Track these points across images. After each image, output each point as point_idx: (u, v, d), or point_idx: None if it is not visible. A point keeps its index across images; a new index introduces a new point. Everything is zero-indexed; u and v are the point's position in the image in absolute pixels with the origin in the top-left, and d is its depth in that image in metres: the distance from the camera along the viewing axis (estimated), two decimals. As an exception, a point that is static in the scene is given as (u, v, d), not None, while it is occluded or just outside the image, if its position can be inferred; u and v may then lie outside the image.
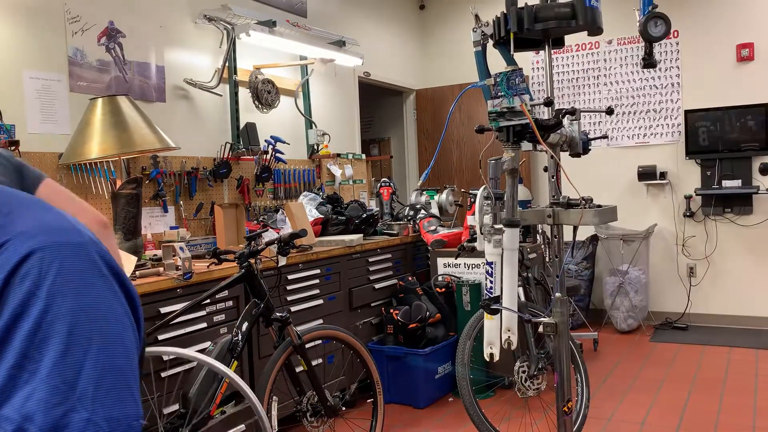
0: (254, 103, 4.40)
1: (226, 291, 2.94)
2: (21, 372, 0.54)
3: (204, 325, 2.98)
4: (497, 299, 2.02)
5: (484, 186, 2.04)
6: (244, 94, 4.35)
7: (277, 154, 4.46)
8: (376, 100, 6.85)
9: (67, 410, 0.54)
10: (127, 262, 2.81)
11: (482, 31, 2.25)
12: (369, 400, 3.15)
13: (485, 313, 2.02)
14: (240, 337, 2.64)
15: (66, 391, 0.54)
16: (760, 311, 5.51)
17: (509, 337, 1.99)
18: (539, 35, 2.30)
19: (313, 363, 3.02)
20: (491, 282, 2.02)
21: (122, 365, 0.58)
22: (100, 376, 0.56)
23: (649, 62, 2.29)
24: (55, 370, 0.54)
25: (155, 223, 3.70)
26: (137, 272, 2.80)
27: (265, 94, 4.42)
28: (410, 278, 4.36)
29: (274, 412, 2.74)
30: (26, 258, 0.56)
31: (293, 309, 3.51)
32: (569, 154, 2.26)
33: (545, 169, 2.38)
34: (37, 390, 0.53)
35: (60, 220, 0.61)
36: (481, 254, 2.09)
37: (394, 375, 3.97)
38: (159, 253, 3.16)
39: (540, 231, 4.62)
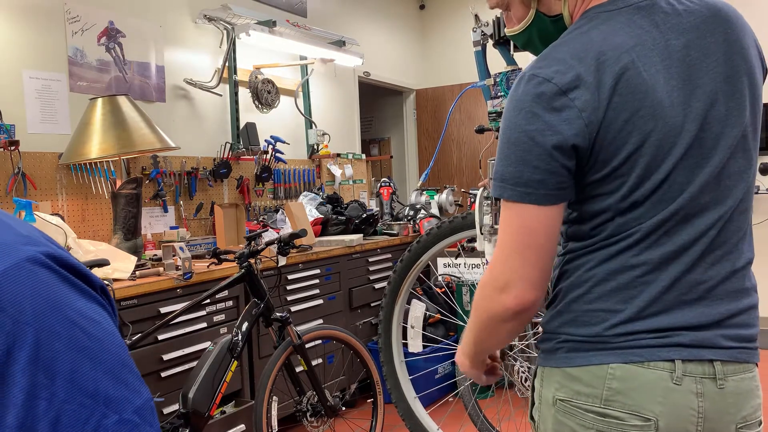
0: (254, 103, 4.40)
1: (226, 291, 2.94)
2: (36, 401, 0.51)
3: (204, 325, 2.98)
4: (497, 299, 2.02)
5: (484, 186, 2.04)
6: (244, 94, 4.35)
7: (277, 154, 4.46)
8: (376, 100, 6.85)
9: (99, 420, 0.54)
10: (127, 262, 2.81)
11: (482, 31, 2.25)
12: (369, 400, 3.15)
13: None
14: (240, 337, 2.64)
15: (91, 403, 0.54)
16: (760, 311, 5.49)
17: None
18: (539, 35, 2.29)
19: (313, 363, 3.02)
20: (491, 282, 2.02)
21: (123, 356, 0.58)
22: (114, 376, 0.56)
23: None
24: (74, 388, 0.53)
25: (155, 223, 3.70)
26: (137, 272, 2.80)
27: (265, 94, 4.41)
28: (410, 278, 4.36)
29: (274, 412, 2.74)
30: None
31: (293, 309, 3.51)
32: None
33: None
34: (63, 413, 0.52)
35: (3, 234, 0.56)
36: (481, 254, 2.08)
37: (394, 375, 3.96)
38: (159, 253, 3.16)
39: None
